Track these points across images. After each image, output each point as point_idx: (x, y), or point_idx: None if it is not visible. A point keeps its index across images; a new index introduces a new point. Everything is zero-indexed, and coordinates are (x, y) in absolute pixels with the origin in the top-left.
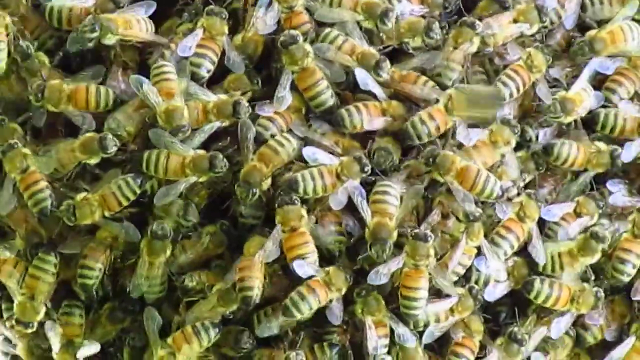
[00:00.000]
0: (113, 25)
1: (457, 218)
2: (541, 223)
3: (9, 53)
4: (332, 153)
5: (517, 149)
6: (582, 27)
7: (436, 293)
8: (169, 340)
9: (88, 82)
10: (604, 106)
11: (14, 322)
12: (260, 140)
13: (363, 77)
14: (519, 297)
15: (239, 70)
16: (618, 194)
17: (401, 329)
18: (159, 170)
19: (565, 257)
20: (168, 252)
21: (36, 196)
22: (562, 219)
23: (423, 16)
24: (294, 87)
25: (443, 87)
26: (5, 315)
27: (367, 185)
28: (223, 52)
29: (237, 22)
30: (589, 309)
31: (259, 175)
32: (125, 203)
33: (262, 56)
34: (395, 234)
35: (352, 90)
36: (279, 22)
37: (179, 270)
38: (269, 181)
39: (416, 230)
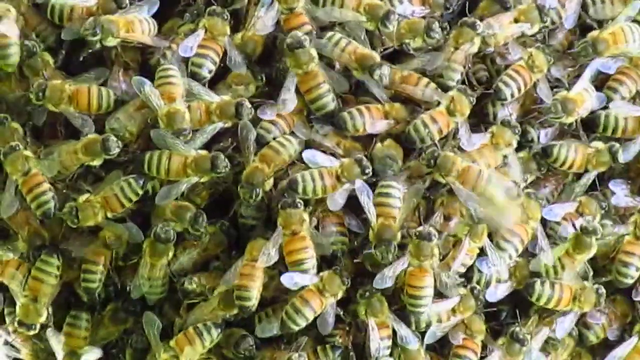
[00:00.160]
0: (114, 28)
1: (462, 217)
2: (542, 223)
3: None
4: (333, 155)
5: (518, 149)
6: (583, 27)
7: (439, 293)
8: (172, 343)
9: (90, 83)
10: (604, 107)
11: (16, 324)
12: (262, 143)
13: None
14: (521, 297)
15: (241, 71)
16: (620, 194)
17: (404, 331)
18: (160, 171)
19: (564, 258)
20: (170, 255)
21: (39, 199)
22: (564, 219)
23: (423, 17)
24: (295, 89)
25: (445, 89)
26: (7, 319)
27: (370, 186)
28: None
29: (238, 23)
30: (592, 307)
31: (261, 176)
32: (127, 204)
33: (263, 56)
34: (399, 235)
35: (354, 93)
36: (278, 22)
37: (179, 270)
38: (271, 181)
39: (420, 229)
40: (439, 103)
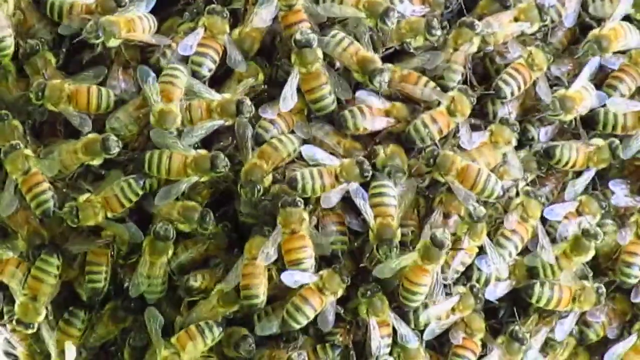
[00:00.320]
0: (116, 29)
1: (460, 217)
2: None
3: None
4: (333, 154)
5: (519, 148)
6: (582, 25)
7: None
8: (173, 340)
9: (90, 82)
10: (604, 105)
11: (14, 323)
12: (260, 142)
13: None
14: (520, 295)
15: (241, 69)
16: (620, 194)
17: (404, 329)
18: (161, 170)
19: (562, 259)
20: (170, 253)
21: (38, 198)
22: (565, 217)
23: (423, 15)
24: (297, 89)
25: (446, 89)
26: (5, 317)
27: (362, 186)
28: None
29: (237, 22)
30: (592, 306)
31: (260, 172)
32: (127, 204)
33: (262, 55)
34: (399, 233)
35: (355, 91)
36: (277, 18)
37: (179, 269)
38: (270, 178)
39: (437, 234)
40: (439, 103)
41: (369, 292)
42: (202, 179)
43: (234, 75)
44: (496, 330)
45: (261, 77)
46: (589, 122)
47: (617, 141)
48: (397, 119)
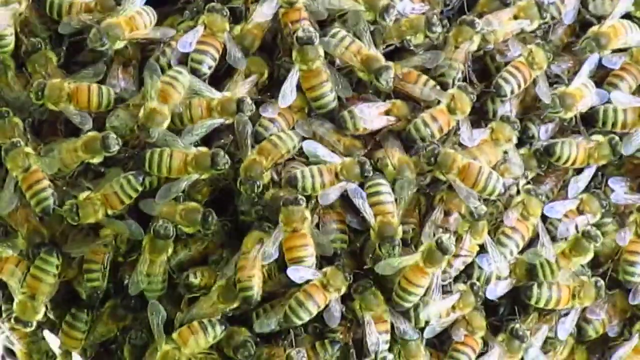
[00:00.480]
0: (119, 31)
1: (461, 215)
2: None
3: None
4: (333, 151)
5: (519, 145)
6: (582, 23)
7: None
8: (174, 335)
9: (90, 80)
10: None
11: (13, 321)
12: (259, 141)
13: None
14: (520, 293)
15: (241, 67)
16: (620, 191)
17: (402, 325)
18: (162, 168)
19: (560, 258)
20: (170, 251)
21: (38, 195)
22: (565, 215)
23: (423, 13)
24: (297, 87)
25: (446, 87)
26: (4, 315)
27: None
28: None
29: (236, 20)
30: (592, 301)
31: (259, 168)
32: (127, 201)
33: (264, 53)
34: (400, 230)
35: (355, 89)
36: (277, 15)
37: (178, 267)
38: (269, 174)
39: (443, 239)
40: (439, 101)
41: (360, 288)
42: (203, 177)
43: (241, 71)
44: (496, 328)
45: (266, 72)
46: (589, 120)
47: (617, 137)
48: (397, 117)
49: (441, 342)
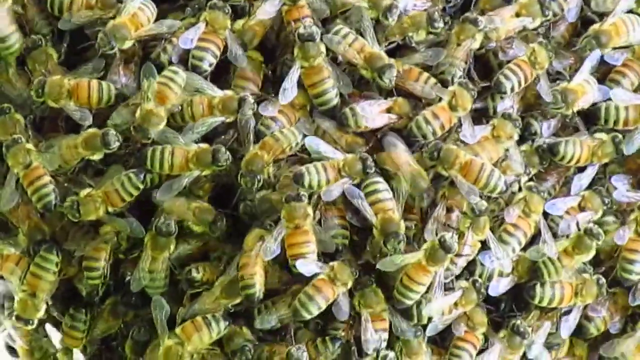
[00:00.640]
0: (126, 32)
1: (462, 212)
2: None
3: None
4: (335, 147)
5: (521, 142)
6: (584, 20)
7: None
8: (178, 330)
9: (89, 76)
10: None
11: (14, 319)
12: (261, 138)
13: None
14: (521, 288)
15: (241, 64)
16: (622, 189)
17: (401, 324)
18: (164, 166)
19: (563, 256)
20: (172, 248)
21: (40, 191)
22: (566, 212)
23: (425, 10)
24: (299, 84)
25: (447, 85)
26: (5, 312)
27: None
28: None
29: (238, 18)
30: (594, 298)
31: (261, 162)
32: (128, 199)
33: (266, 51)
34: (402, 225)
35: (358, 86)
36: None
37: (178, 262)
38: (270, 168)
39: (446, 238)
40: (440, 98)
41: (359, 285)
42: (204, 173)
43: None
44: (497, 324)
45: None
46: (591, 117)
47: (620, 136)
48: (398, 115)
49: (442, 339)
